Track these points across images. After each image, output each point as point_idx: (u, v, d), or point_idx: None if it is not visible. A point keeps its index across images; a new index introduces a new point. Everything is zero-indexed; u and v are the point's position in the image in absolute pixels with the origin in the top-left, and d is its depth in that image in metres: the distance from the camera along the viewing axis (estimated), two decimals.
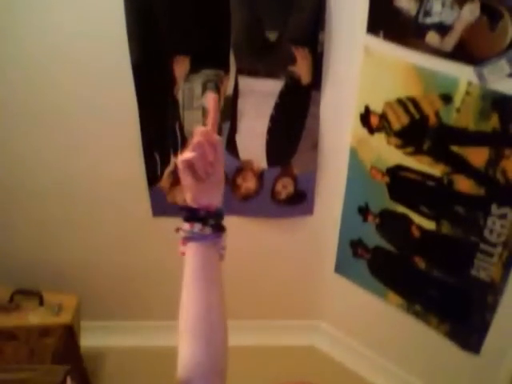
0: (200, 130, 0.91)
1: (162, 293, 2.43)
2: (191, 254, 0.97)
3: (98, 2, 1.75)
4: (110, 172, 2.09)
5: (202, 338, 0.93)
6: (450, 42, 1.52)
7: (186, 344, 0.93)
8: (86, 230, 2.25)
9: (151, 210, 2.16)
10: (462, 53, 1.52)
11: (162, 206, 2.14)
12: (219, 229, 0.99)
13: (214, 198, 1.00)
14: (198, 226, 0.95)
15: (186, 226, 0.96)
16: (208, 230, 0.96)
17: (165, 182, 2.06)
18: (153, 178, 2.07)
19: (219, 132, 1.94)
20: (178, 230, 0.98)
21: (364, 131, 1.86)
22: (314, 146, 1.99)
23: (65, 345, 2.09)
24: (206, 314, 0.94)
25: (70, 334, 2.09)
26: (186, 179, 0.94)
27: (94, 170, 2.09)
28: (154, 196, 2.12)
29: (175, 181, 2.06)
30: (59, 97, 1.93)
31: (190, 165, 0.92)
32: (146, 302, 2.47)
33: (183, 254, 0.98)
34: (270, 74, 1.84)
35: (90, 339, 2.32)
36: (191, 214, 0.96)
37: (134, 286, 2.41)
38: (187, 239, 0.96)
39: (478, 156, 1.62)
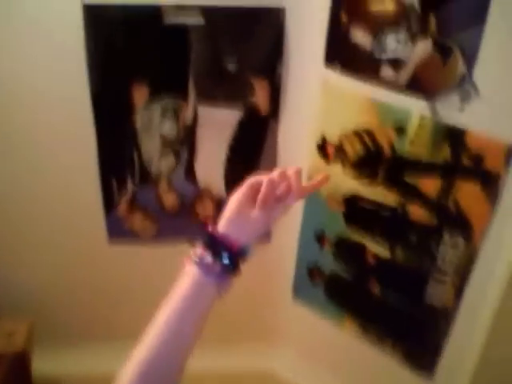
0: (296, 167, 0.86)
1: (122, 318, 2.40)
2: (190, 279, 0.86)
3: (58, 28, 1.74)
4: (67, 196, 2.07)
5: None
6: (404, 76, 1.58)
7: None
8: (42, 253, 2.20)
9: (107, 236, 2.14)
10: (416, 87, 1.57)
11: (118, 232, 2.12)
12: (230, 271, 0.89)
13: (245, 235, 0.90)
14: (208, 258, 0.86)
15: (199, 250, 0.87)
16: (218, 267, 0.87)
17: (122, 208, 2.05)
18: (110, 204, 2.05)
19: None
20: (191, 244, 0.89)
21: (321, 161, 1.89)
22: None
23: (16, 373, 2.03)
24: (176, 354, 0.84)
25: (21, 361, 2.03)
26: (240, 196, 0.88)
27: (50, 194, 2.06)
28: (110, 222, 2.10)
29: (133, 208, 2.05)
30: (17, 121, 1.90)
31: (258, 183, 0.86)
32: (107, 328, 2.42)
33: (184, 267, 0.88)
34: (229, 103, 1.86)
35: (45, 366, 2.27)
36: (209, 240, 0.87)
37: (94, 310, 2.37)
38: (195, 263, 0.87)
39: (430, 186, 1.67)
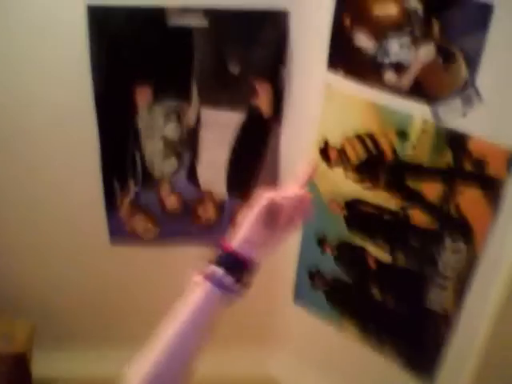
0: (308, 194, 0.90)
1: (123, 321, 2.41)
2: (203, 294, 0.88)
3: (62, 29, 1.75)
4: (69, 198, 2.07)
5: None
6: (406, 80, 1.58)
7: None
8: (43, 254, 2.21)
9: (109, 237, 2.14)
10: (418, 91, 1.57)
11: (120, 234, 2.12)
12: (243, 286, 0.91)
13: (259, 253, 0.92)
14: (222, 274, 0.87)
15: (213, 266, 0.88)
16: (231, 283, 0.88)
17: (124, 210, 2.05)
18: (112, 206, 2.06)
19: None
20: (208, 260, 0.90)
21: (323, 165, 1.90)
22: (275, 177, 2.02)
23: (16, 374, 2.03)
24: (183, 367, 0.85)
25: (21, 362, 2.03)
26: (257, 217, 0.89)
27: (52, 195, 2.07)
28: (112, 223, 2.10)
29: (135, 210, 2.05)
30: (20, 122, 1.91)
31: (274, 204, 0.88)
32: (106, 331, 2.42)
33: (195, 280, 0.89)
34: (232, 106, 1.87)
35: (44, 368, 2.27)
36: (224, 257, 0.89)
37: (94, 313, 2.37)
38: (206, 277, 0.88)
39: (432, 191, 1.67)
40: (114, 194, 2.03)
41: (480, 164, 1.54)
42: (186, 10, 1.71)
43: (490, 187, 1.54)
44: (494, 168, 1.52)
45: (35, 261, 2.22)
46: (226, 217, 2.09)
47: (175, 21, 1.72)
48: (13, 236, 2.16)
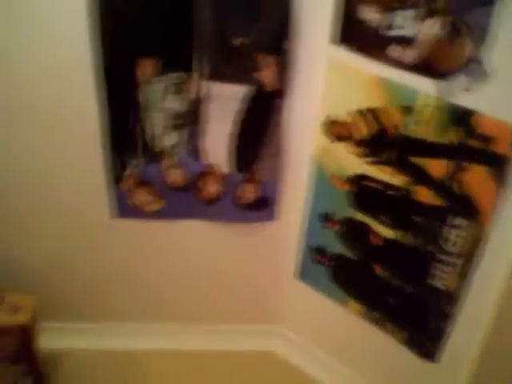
0: None
1: (126, 294, 2.43)
2: None
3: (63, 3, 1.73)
4: (72, 172, 2.07)
5: None
6: (411, 54, 1.55)
7: None
8: (47, 229, 2.22)
9: (112, 211, 2.14)
10: (423, 66, 1.55)
11: (123, 208, 2.12)
12: None
13: None
14: None
15: None
16: None
17: (128, 184, 2.05)
18: (113, 179, 2.05)
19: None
20: None
21: (326, 140, 1.88)
22: (278, 152, 2.00)
23: (21, 345, 2.06)
24: None
25: (26, 334, 2.06)
26: None
27: (55, 170, 2.06)
28: (115, 197, 2.10)
29: (138, 184, 2.05)
30: (23, 94, 1.90)
31: None
32: (109, 304, 2.44)
33: None
34: (235, 79, 1.84)
35: (50, 340, 2.31)
36: None
37: (97, 286, 2.39)
38: None
39: (436, 167, 1.65)
40: (116, 168, 2.02)
41: (486, 141, 1.52)
42: None
43: (497, 164, 1.52)
44: (501, 145, 1.50)
45: (38, 235, 2.23)
46: (229, 191, 2.08)
47: None
48: (16, 211, 2.17)
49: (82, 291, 2.39)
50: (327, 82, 1.80)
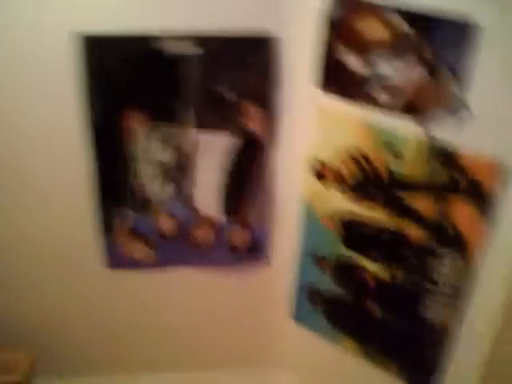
0: None
1: (121, 346, 2.40)
2: None
3: (54, 59, 1.77)
4: (66, 226, 2.08)
5: None
6: (398, 99, 1.60)
7: None
8: (42, 284, 2.20)
9: (104, 262, 2.14)
10: (410, 110, 1.60)
11: (118, 260, 2.12)
12: None
13: None
14: None
15: None
16: None
17: (121, 236, 2.06)
18: (109, 232, 2.06)
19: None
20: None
21: (318, 185, 1.91)
22: (268, 197, 2.04)
23: None
24: None
25: None
26: None
27: (49, 224, 2.07)
28: (109, 250, 2.10)
29: (132, 235, 2.06)
30: (15, 149, 1.92)
31: None
32: (104, 356, 2.42)
33: None
34: (226, 130, 1.89)
35: None
36: None
37: (92, 338, 2.36)
38: None
39: (428, 207, 1.69)
40: (110, 220, 2.03)
41: (473, 179, 1.57)
42: (178, 38, 1.73)
43: (484, 201, 1.57)
44: (488, 182, 1.54)
45: (33, 291, 2.21)
46: (221, 237, 2.10)
47: (168, 48, 1.74)
48: (12, 269, 2.16)
49: (76, 344, 2.36)
50: (317, 128, 1.85)
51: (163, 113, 1.86)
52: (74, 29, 1.71)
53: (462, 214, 1.63)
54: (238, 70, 1.79)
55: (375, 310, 1.98)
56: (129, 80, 1.81)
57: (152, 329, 2.35)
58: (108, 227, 2.05)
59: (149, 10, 1.73)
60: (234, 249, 2.13)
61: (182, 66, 1.78)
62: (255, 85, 1.82)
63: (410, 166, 1.67)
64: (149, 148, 1.90)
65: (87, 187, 1.98)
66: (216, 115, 1.87)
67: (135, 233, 2.06)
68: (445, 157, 1.59)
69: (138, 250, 2.11)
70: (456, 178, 1.59)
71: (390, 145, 1.68)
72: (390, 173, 1.71)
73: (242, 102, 1.85)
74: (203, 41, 1.75)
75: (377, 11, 1.56)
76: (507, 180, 1.50)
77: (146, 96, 1.84)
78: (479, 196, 1.57)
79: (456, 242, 1.67)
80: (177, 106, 1.84)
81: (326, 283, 2.08)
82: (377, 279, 1.92)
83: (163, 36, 1.73)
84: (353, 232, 1.91)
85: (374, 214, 1.82)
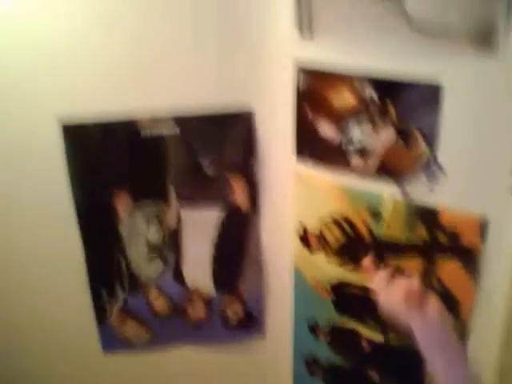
0: None
1: None
2: None
3: (38, 148, 1.82)
4: (57, 311, 2.07)
5: None
6: (372, 164, 1.65)
7: None
8: (34, 368, 2.18)
9: (101, 348, 2.13)
10: (385, 172, 1.64)
11: (112, 343, 2.11)
12: None
13: None
14: None
15: None
16: None
17: (114, 317, 2.05)
18: (101, 315, 2.06)
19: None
20: None
21: (305, 251, 1.93)
22: (259, 268, 2.05)
23: None
24: None
25: None
26: None
27: (41, 310, 2.07)
28: (103, 333, 2.09)
29: (124, 316, 2.05)
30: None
31: None
32: None
33: None
34: (210, 204, 1.92)
35: None
36: None
37: None
38: None
39: (413, 267, 1.69)
40: (102, 302, 2.03)
41: (454, 235, 1.58)
42: (156, 120, 1.79)
43: (467, 257, 1.57)
44: (468, 238, 1.55)
45: (27, 375, 2.19)
46: (215, 312, 2.09)
47: (147, 131, 1.80)
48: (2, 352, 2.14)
49: None
50: (297, 196, 1.88)
51: (147, 191, 1.90)
52: (54, 116, 1.77)
53: (448, 271, 1.63)
54: (217, 145, 1.85)
55: (374, 374, 1.95)
56: (112, 164, 1.86)
57: None
58: (101, 311, 2.05)
59: (128, 96, 1.79)
60: (226, 323, 2.12)
61: (163, 146, 1.84)
62: (235, 158, 1.87)
63: (391, 227, 1.69)
64: (134, 226, 1.93)
65: (79, 272, 1.99)
66: (200, 190, 1.91)
67: (128, 314, 2.06)
68: (423, 215, 1.62)
69: (132, 332, 2.10)
70: (436, 236, 1.61)
71: (369, 207, 1.71)
72: (373, 234, 1.73)
73: (224, 175, 1.90)
74: (181, 121, 1.81)
75: (344, 80, 1.62)
76: (486, 231, 1.52)
77: (130, 178, 1.89)
78: (461, 252, 1.58)
79: (445, 300, 1.65)
80: (160, 183, 1.89)
81: (324, 351, 2.06)
82: (372, 343, 1.90)
83: (143, 119, 1.80)
84: (343, 297, 1.91)
85: (361, 276, 1.82)
